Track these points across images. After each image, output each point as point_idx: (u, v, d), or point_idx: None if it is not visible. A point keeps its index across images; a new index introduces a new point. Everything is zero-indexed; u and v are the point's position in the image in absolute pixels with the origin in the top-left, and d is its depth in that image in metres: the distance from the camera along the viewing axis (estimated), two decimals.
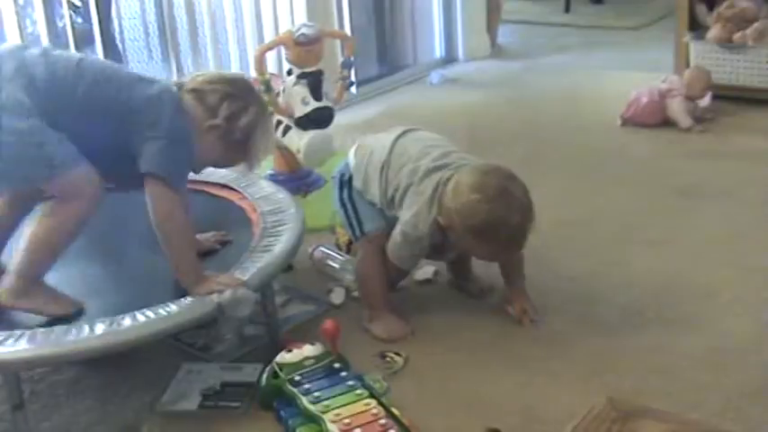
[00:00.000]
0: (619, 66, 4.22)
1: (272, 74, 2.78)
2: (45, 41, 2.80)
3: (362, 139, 2.14)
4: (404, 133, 2.06)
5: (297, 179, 2.75)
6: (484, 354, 1.91)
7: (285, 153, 2.74)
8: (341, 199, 2.09)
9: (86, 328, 1.65)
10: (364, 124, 3.36)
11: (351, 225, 2.06)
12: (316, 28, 2.66)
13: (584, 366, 1.83)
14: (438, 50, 4.38)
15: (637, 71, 3.94)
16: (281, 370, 1.73)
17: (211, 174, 2.45)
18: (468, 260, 2.16)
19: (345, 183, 2.09)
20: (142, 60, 3.19)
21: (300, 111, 2.62)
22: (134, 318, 1.67)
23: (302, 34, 2.61)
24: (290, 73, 2.68)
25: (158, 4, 3.11)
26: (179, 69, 3.15)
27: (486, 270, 2.15)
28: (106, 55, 3.02)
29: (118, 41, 3.14)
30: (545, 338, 1.95)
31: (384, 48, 4.22)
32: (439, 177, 1.91)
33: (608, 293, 2.13)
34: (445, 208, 1.87)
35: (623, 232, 2.47)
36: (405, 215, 1.94)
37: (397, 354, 1.89)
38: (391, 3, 4.23)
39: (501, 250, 1.90)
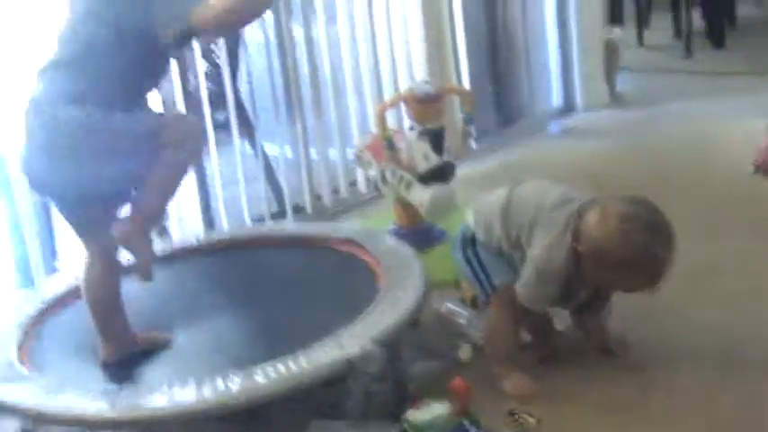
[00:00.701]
0: (746, 112, 4.06)
1: (394, 130, 2.82)
2: (180, 104, 2.94)
3: (476, 201, 2.15)
4: (517, 185, 2.07)
5: (419, 234, 2.76)
6: (622, 413, 1.85)
7: (407, 207, 2.77)
8: (466, 258, 2.08)
9: (221, 383, 1.69)
10: (483, 176, 3.35)
11: (479, 281, 2.05)
12: (436, 85, 2.70)
13: (730, 425, 1.75)
14: (555, 100, 4.34)
15: (766, 117, 3.79)
16: (410, 428, 1.72)
17: (336, 229, 2.51)
18: (599, 311, 2.11)
19: (468, 241, 2.08)
20: (270, 121, 3.29)
21: (423, 166, 2.64)
22: (266, 374, 1.70)
23: (423, 92, 2.65)
24: (411, 129, 2.71)
25: (284, 69, 3.22)
26: (304, 129, 3.25)
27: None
28: (239, 116, 3.16)
29: (247, 104, 3.25)
30: (684, 393, 1.87)
31: (501, 98, 4.20)
32: (570, 209, 1.91)
33: (746, 347, 2.03)
34: (589, 237, 1.86)
35: (758, 283, 2.36)
36: (535, 250, 1.92)
37: (529, 414, 1.85)
38: (507, 53, 4.23)
39: (642, 283, 1.86)
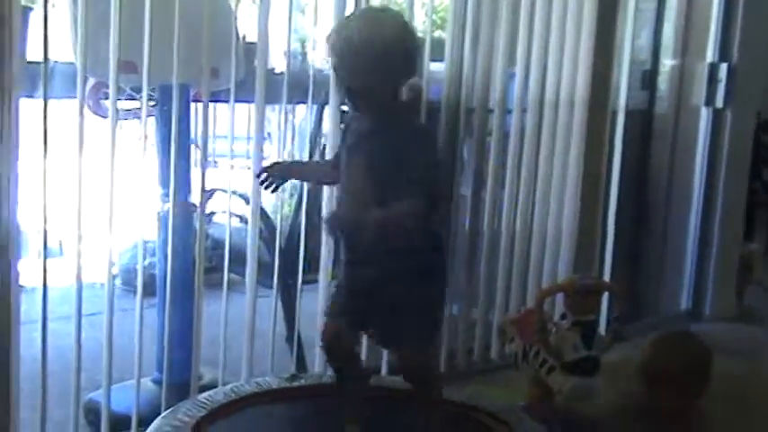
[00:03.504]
0: None
1: (546, 313, 2.94)
2: None
3: None
4: None
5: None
6: None
7: (542, 389, 2.84)
8: None
9: None
10: (606, 370, 3.39)
11: None
12: (596, 280, 2.82)
13: None
14: (684, 303, 4.40)
15: None
16: None
17: (485, 402, 2.59)
18: None
19: None
20: None
21: (569, 356, 2.73)
22: None
23: (585, 285, 2.77)
24: (563, 317, 2.82)
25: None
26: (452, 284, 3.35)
27: None
28: None
29: None
30: None
31: (634, 293, 4.30)
32: None
33: None
34: None
35: None
36: None
37: None
38: (647, 252, 4.35)
39: None
